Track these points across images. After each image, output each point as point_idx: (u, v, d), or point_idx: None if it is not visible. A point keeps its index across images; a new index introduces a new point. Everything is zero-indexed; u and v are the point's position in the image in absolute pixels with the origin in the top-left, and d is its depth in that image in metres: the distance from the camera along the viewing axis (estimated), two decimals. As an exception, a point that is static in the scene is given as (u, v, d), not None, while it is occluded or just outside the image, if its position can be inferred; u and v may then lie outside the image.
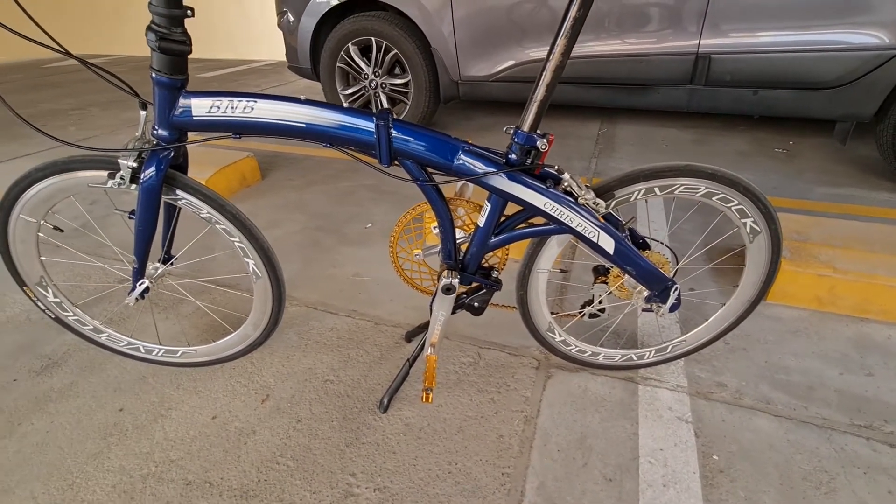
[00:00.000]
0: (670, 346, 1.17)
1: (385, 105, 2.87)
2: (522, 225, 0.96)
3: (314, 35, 2.81)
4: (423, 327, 1.30)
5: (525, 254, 1.01)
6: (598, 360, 1.19)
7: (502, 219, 0.96)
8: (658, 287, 0.98)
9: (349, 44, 2.74)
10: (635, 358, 1.18)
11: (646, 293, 1.02)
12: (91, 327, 1.20)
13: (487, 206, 0.92)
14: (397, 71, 2.84)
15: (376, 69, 2.78)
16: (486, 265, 1.06)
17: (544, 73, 0.79)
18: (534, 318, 1.11)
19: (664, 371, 1.21)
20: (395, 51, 2.68)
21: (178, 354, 1.22)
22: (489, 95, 2.70)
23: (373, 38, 2.69)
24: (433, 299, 1.06)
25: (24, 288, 1.09)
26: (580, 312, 1.14)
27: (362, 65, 2.79)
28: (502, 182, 0.85)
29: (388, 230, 1.93)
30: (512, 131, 0.86)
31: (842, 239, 1.49)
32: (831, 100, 2.07)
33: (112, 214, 2.01)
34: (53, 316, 1.16)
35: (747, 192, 0.90)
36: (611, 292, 1.08)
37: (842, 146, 2.46)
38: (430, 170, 0.88)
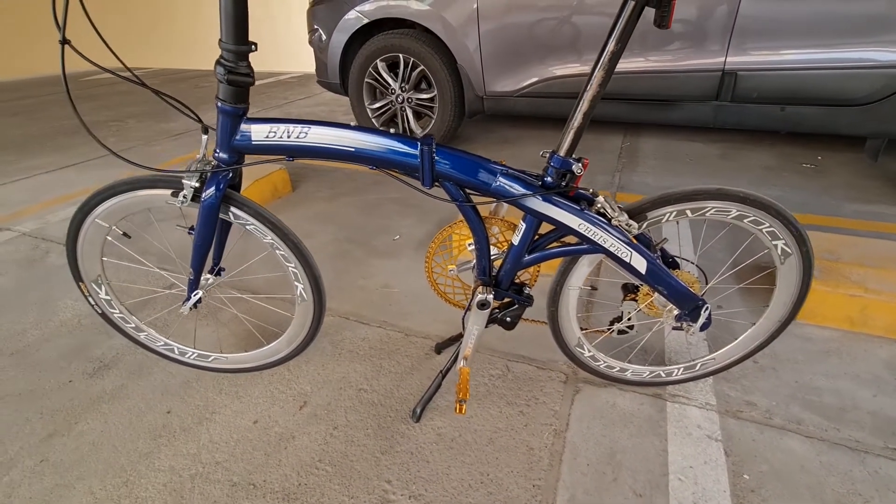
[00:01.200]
0: (699, 364, 1.18)
1: (411, 118, 2.94)
2: (555, 243, 1.00)
3: (344, 51, 2.91)
4: (453, 340, 1.34)
5: (557, 271, 1.05)
6: (626, 376, 1.21)
7: (536, 237, 0.99)
8: (688, 306, 1.00)
9: (377, 60, 2.83)
10: (663, 375, 1.20)
11: (676, 312, 1.04)
12: (133, 325, 1.27)
13: (522, 226, 0.96)
14: (423, 86, 2.91)
15: (403, 84, 2.86)
16: (518, 281, 1.09)
17: (581, 102, 0.83)
18: (564, 334, 1.14)
19: (692, 389, 1.22)
20: (422, 67, 2.75)
21: (210, 360, 1.28)
22: (513, 110, 2.75)
23: (400, 55, 2.77)
24: (465, 313, 1.10)
25: (80, 283, 1.16)
26: (609, 329, 1.16)
27: (389, 80, 2.87)
28: (538, 203, 0.89)
29: (415, 242, 1.98)
30: (548, 155, 0.90)
31: (874, 258, 1.48)
32: (861, 117, 2.05)
33: (156, 223, 2.11)
34: (101, 312, 1.22)
35: (779, 216, 0.92)
36: (640, 309, 1.11)
37: (873, 162, 2.43)
38: (467, 190, 0.93)
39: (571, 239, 0.97)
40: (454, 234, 1.05)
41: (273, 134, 0.86)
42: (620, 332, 1.17)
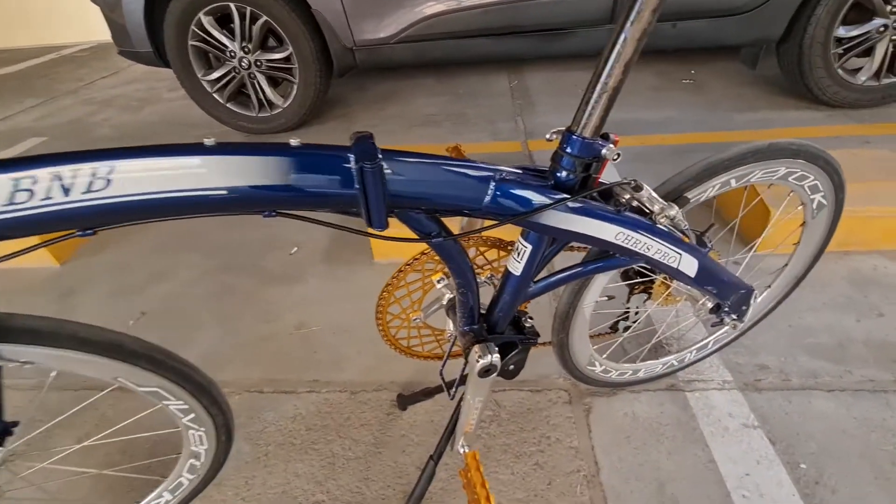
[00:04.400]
0: (712, 341, 1.02)
1: (265, 87, 2.32)
2: (573, 248, 0.69)
3: (148, 7, 2.12)
4: (428, 393, 1.00)
5: (567, 293, 0.75)
6: (639, 377, 1.00)
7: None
8: (734, 297, 0.79)
9: (200, 14, 2.12)
10: (676, 363, 1.02)
11: (710, 304, 0.82)
12: None
13: (526, 249, 0.63)
14: (273, 43, 2.28)
15: (245, 44, 2.21)
16: (516, 314, 0.78)
17: (622, 45, 0.50)
18: (574, 358, 0.87)
19: (704, 369, 1.07)
20: (265, 17, 2.13)
21: None
22: (392, 60, 2.29)
23: (231, 4, 2.10)
24: (444, 366, 0.77)
25: None
26: (617, 331, 0.93)
27: (224, 40, 2.19)
28: (558, 217, 0.56)
29: (319, 251, 1.53)
30: (559, 137, 0.57)
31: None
32: (744, 25, 2.04)
33: None
34: None
35: (827, 165, 0.72)
36: (657, 304, 0.88)
37: (752, 70, 2.51)
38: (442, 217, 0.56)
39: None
40: (413, 271, 0.69)
41: (27, 193, 0.39)
42: (626, 328, 0.95)
